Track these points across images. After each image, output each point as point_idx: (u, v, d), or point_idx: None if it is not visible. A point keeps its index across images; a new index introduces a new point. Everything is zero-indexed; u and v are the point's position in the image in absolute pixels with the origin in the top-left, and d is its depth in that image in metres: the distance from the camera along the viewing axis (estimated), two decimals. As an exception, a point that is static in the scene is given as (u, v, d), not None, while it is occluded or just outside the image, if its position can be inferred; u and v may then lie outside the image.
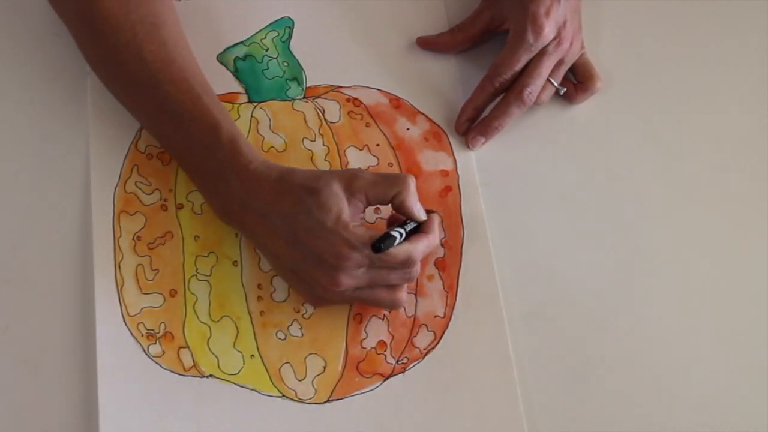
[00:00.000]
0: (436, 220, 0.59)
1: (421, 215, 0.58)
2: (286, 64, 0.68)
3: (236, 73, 0.67)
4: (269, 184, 0.57)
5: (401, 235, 0.56)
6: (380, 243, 0.54)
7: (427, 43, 0.69)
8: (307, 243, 0.55)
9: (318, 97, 0.67)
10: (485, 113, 0.67)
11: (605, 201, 0.66)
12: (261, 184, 0.57)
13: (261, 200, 0.57)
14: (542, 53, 0.65)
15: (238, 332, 0.61)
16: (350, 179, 0.56)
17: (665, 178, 0.67)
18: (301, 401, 0.59)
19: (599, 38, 0.70)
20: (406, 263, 0.56)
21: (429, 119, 0.67)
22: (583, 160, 0.67)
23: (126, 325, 0.60)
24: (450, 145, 0.67)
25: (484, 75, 0.66)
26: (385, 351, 0.61)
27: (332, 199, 0.55)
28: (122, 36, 0.59)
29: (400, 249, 0.56)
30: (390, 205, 0.58)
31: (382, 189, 0.57)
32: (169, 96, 0.58)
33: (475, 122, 0.67)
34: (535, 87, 0.65)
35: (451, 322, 0.61)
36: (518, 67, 0.65)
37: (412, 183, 0.57)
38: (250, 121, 0.66)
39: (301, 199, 0.56)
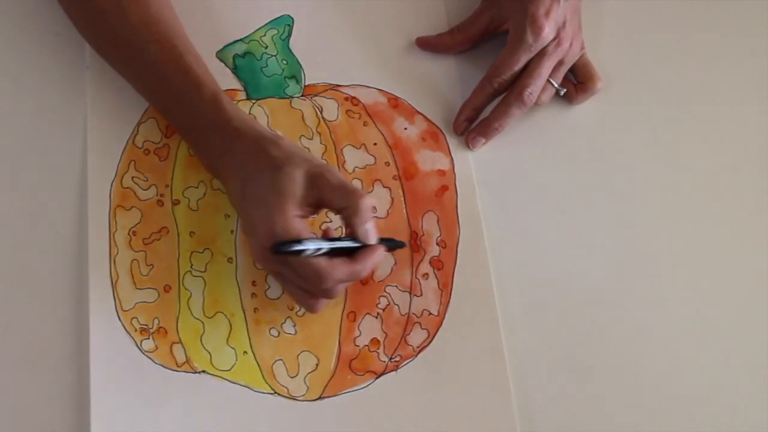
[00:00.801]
0: (373, 254, 0.56)
1: (366, 237, 0.56)
2: (285, 62, 0.68)
3: (235, 70, 0.67)
4: (246, 142, 0.58)
5: (320, 249, 0.53)
6: (281, 246, 0.52)
7: (427, 44, 0.69)
8: (250, 210, 0.56)
9: (316, 95, 0.67)
10: (484, 114, 0.67)
11: (603, 201, 0.65)
12: (239, 142, 0.58)
13: (234, 156, 0.58)
14: (542, 54, 0.65)
15: (231, 329, 0.60)
16: (317, 174, 0.56)
17: (664, 178, 0.66)
18: (293, 398, 0.59)
19: (599, 38, 0.70)
20: (316, 279, 0.54)
21: (427, 119, 0.67)
22: (582, 160, 0.67)
23: (119, 319, 0.60)
24: (447, 144, 0.66)
25: (483, 75, 0.66)
26: (378, 349, 0.60)
27: (289, 183, 0.55)
28: None
29: (310, 262, 0.53)
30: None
31: (336, 197, 0.55)
32: (153, 56, 0.60)
33: (473, 122, 0.67)
34: (535, 88, 0.65)
35: (445, 321, 0.61)
36: (517, 67, 0.65)
37: (363, 203, 0.55)
38: (248, 118, 0.66)
39: (262, 169, 0.56)
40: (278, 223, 0.54)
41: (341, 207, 0.56)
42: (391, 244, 0.60)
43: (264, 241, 0.54)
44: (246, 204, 0.56)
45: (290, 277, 0.56)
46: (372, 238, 0.56)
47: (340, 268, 0.54)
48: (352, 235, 0.56)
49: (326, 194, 0.55)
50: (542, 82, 0.65)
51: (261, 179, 0.56)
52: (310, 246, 0.53)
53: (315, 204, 0.56)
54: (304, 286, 0.56)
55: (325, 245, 0.54)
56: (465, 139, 0.67)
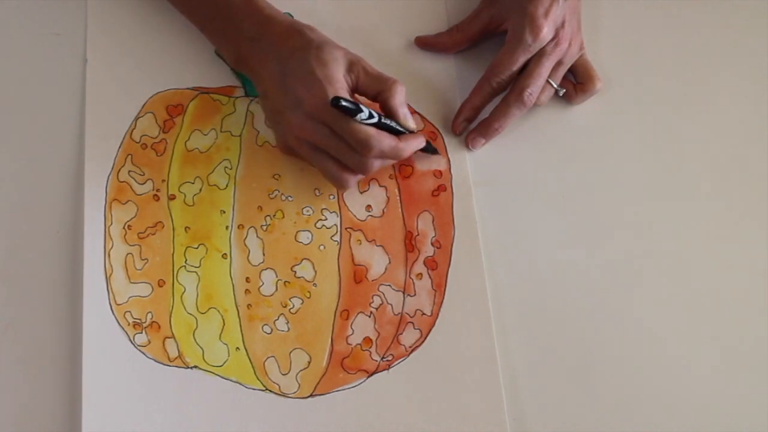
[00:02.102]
0: (416, 138, 0.60)
1: (406, 121, 0.59)
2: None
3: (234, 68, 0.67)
4: (282, 27, 0.60)
5: (371, 116, 0.56)
6: (341, 100, 0.53)
7: (426, 43, 0.69)
8: (292, 86, 0.58)
9: (314, 93, 0.67)
10: (483, 114, 0.67)
11: (601, 202, 0.65)
12: (273, 26, 0.61)
13: (268, 40, 0.60)
14: (541, 54, 0.64)
15: (224, 324, 0.61)
16: (353, 59, 0.60)
17: (663, 179, 0.66)
18: (285, 395, 0.59)
19: (599, 38, 0.70)
20: (363, 145, 0.56)
21: (424, 119, 0.67)
22: (580, 160, 0.66)
23: (113, 313, 0.60)
24: (444, 145, 0.66)
25: (482, 75, 0.66)
26: (370, 348, 0.60)
27: (331, 60, 0.58)
28: None
29: (361, 127, 0.56)
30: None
31: (372, 82, 0.59)
32: None
33: (472, 122, 0.67)
34: (535, 88, 0.65)
35: (437, 321, 0.61)
36: (516, 67, 0.65)
37: (398, 88, 0.59)
38: (246, 115, 0.66)
39: (304, 47, 0.59)
40: (330, 90, 0.57)
41: (378, 91, 0.59)
42: (429, 145, 0.63)
43: (313, 109, 0.57)
44: (288, 80, 0.58)
45: (331, 145, 0.58)
46: (412, 123, 0.60)
47: (386, 140, 0.57)
48: (394, 119, 0.59)
49: (362, 79, 0.59)
50: (542, 82, 0.65)
51: (304, 56, 0.58)
52: (365, 109, 0.55)
53: (352, 87, 0.60)
54: (344, 157, 0.58)
55: (376, 115, 0.56)
56: (465, 140, 0.67)
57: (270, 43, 0.60)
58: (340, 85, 0.57)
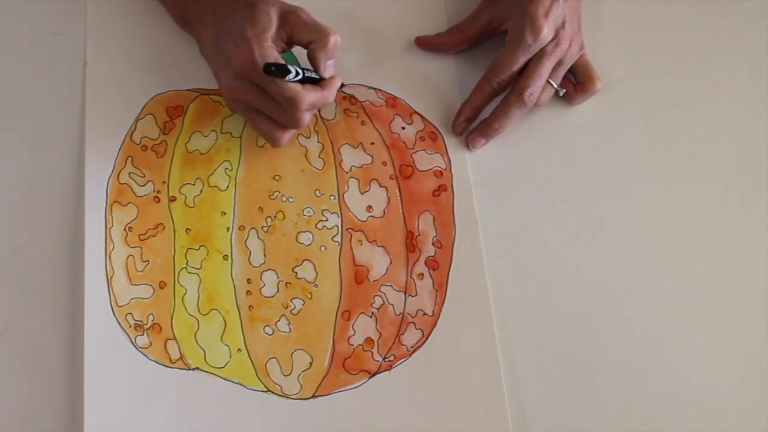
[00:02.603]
0: (335, 82, 0.60)
1: (325, 71, 0.60)
2: (283, 60, 0.68)
3: (233, 68, 0.67)
4: None
5: (298, 73, 0.57)
6: (272, 66, 0.55)
7: (426, 43, 0.69)
8: (224, 45, 0.59)
9: (315, 93, 0.67)
10: (483, 114, 0.67)
11: (601, 202, 0.65)
12: None
13: (208, 4, 0.62)
14: (541, 54, 0.64)
15: (225, 326, 0.61)
16: (289, 11, 0.60)
17: (663, 179, 0.66)
18: (287, 396, 0.59)
19: (599, 38, 0.70)
20: (292, 103, 0.57)
21: (424, 119, 0.67)
22: (580, 160, 0.66)
23: (114, 315, 0.60)
24: (445, 145, 0.66)
25: (482, 75, 0.66)
26: (372, 348, 0.60)
27: (263, 17, 0.59)
28: None
29: (289, 86, 0.57)
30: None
31: (307, 32, 0.60)
32: None
33: (472, 123, 0.67)
34: (535, 88, 0.65)
35: (439, 321, 0.61)
36: (516, 67, 0.65)
37: (330, 40, 0.59)
38: (246, 116, 0.66)
39: (237, 8, 0.60)
40: (257, 50, 0.57)
41: (310, 41, 0.60)
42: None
43: (241, 70, 0.58)
44: (220, 41, 0.60)
45: (262, 104, 0.59)
46: (331, 72, 0.61)
47: (312, 93, 0.58)
48: (315, 69, 0.60)
49: (297, 30, 0.60)
50: (542, 82, 0.65)
51: (236, 16, 0.59)
52: (292, 68, 0.56)
53: (286, 40, 0.60)
54: (275, 114, 0.59)
55: (300, 72, 0.57)
56: (465, 140, 0.67)
57: (210, 3, 0.61)
58: (268, 45, 0.58)
